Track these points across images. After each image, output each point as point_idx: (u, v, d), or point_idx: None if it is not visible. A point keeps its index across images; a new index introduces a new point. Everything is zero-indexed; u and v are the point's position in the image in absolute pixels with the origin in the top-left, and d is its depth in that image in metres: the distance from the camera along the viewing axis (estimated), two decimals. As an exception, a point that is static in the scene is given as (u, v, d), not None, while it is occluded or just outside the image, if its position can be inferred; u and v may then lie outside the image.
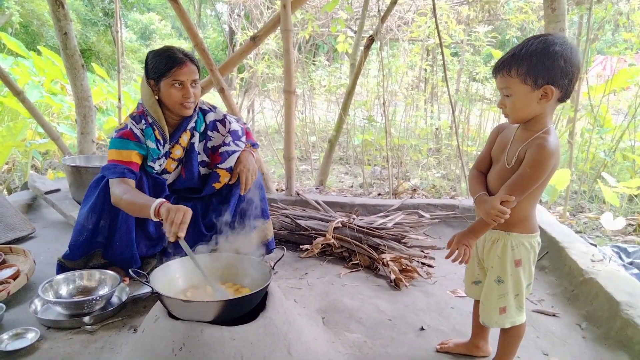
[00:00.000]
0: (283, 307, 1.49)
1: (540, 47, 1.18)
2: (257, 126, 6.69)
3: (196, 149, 1.95)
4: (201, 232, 1.94)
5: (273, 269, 1.54)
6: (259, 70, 4.85)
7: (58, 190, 2.94)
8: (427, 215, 2.60)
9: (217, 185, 1.96)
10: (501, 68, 1.23)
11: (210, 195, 2.00)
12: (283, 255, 1.60)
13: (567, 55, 1.18)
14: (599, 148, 4.18)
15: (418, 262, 2.25)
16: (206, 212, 1.99)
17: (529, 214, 1.32)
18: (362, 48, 3.77)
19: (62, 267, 1.92)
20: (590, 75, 5.06)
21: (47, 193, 2.89)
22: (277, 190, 3.40)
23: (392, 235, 2.30)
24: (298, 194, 2.92)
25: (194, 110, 1.90)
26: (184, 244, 1.47)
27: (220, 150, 1.94)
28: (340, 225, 2.37)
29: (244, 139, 2.00)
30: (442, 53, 3.55)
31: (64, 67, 3.32)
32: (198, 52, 2.79)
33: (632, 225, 3.26)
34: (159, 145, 1.85)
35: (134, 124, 1.82)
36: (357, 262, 2.24)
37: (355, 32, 4.78)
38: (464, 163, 3.81)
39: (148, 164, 1.87)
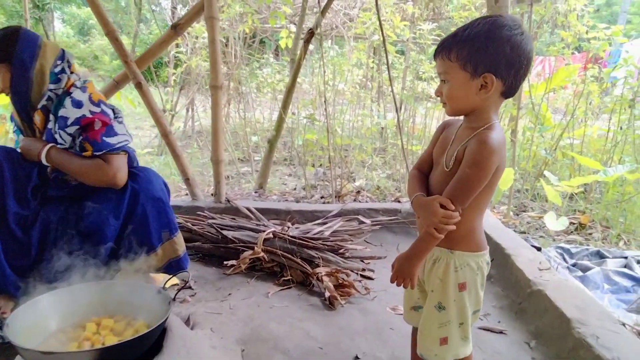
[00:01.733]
0: (187, 346, 1.22)
1: (485, 29, 0.99)
2: (197, 125, 6.31)
3: (53, 132, 1.64)
4: (76, 247, 1.59)
5: (174, 299, 1.26)
6: (193, 64, 4.50)
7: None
8: (367, 221, 2.40)
9: None
10: (441, 50, 1.05)
11: (85, 196, 1.66)
12: (186, 284, 1.32)
13: (515, 42, 0.99)
14: (539, 146, 4.19)
15: (357, 274, 2.04)
16: (80, 217, 1.62)
17: (474, 227, 1.12)
18: (302, 42, 3.54)
19: None
20: (532, 74, 5.12)
21: None
22: (212, 194, 3.07)
23: (329, 245, 2.07)
24: (228, 201, 2.63)
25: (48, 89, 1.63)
26: None
27: None
28: (271, 236, 2.12)
29: (71, 129, 1.61)
30: (385, 50, 3.40)
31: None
32: (110, 41, 2.44)
33: (574, 223, 3.24)
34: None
35: None
36: (289, 277, 2.00)
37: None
38: (408, 163, 3.68)
39: None
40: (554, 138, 4.53)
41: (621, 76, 4.42)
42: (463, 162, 1.03)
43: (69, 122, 1.59)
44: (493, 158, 1.01)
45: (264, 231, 2.16)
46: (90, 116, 1.61)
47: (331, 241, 2.11)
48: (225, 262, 2.05)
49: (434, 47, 4.61)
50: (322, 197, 3.71)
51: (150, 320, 1.27)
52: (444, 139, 1.17)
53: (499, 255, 2.02)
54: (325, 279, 1.89)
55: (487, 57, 0.99)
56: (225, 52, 5.59)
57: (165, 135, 2.52)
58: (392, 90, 3.42)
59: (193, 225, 2.38)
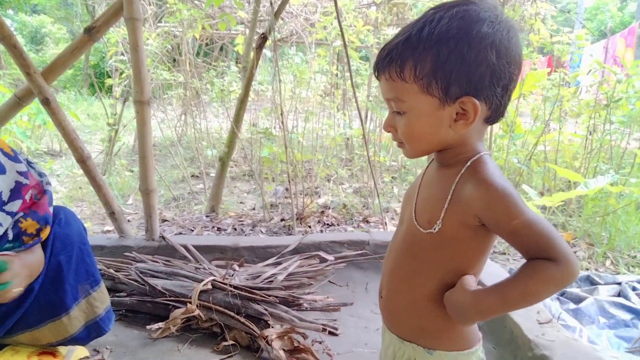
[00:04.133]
0: None
1: (455, 27, 0.63)
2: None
3: None
4: None
5: None
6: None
7: None
8: (330, 257, 2.02)
9: None
10: (388, 64, 0.67)
11: None
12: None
13: (502, 44, 0.64)
14: (512, 155, 3.96)
15: (319, 331, 1.65)
16: None
17: None
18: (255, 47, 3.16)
19: None
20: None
21: None
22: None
23: (281, 297, 1.68)
24: (163, 238, 2.20)
25: None
26: None
27: None
28: (210, 287, 1.70)
29: (13, 207, 1.13)
30: (346, 55, 3.07)
31: None
32: (7, 48, 1.98)
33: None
34: None
35: None
36: (230, 342, 1.59)
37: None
38: (376, 177, 3.35)
39: None
40: (525, 145, 4.32)
41: (589, 81, 4.27)
42: (490, 220, 0.67)
43: (4, 198, 1.10)
44: (513, 195, 0.65)
45: (202, 280, 1.74)
46: (27, 181, 1.14)
47: (285, 290, 1.71)
48: (148, 327, 1.62)
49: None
50: (282, 220, 3.34)
51: None
52: (414, 184, 0.82)
53: (487, 301, 1.68)
54: (276, 344, 1.50)
55: (463, 71, 0.64)
56: (179, 60, 5.16)
57: (81, 161, 2.07)
58: (356, 99, 3.09)
59: (117, 271, 1.94)
